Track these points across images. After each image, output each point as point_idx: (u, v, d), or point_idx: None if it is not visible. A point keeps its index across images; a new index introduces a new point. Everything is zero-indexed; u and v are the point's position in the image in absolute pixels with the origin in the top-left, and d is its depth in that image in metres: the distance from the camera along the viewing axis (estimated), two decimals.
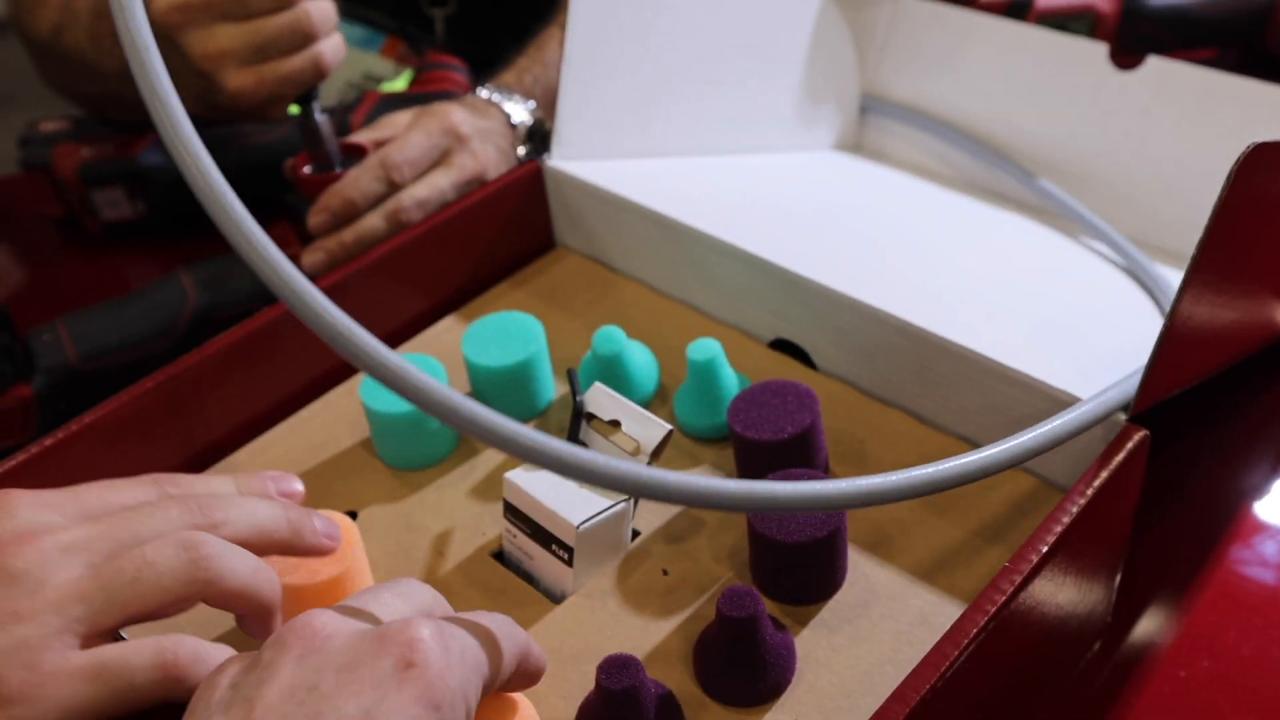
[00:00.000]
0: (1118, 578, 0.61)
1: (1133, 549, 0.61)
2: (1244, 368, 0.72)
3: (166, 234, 0.95)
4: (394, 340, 0.70)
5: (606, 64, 0.75)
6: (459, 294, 0.74)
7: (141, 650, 0.43)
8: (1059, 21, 1.00)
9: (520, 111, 0.90)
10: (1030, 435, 0.51)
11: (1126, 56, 0.83)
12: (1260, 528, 0.67)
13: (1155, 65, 0.80)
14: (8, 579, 0.42)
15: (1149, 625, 0.62)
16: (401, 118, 0.87)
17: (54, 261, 0.96)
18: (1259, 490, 0.70)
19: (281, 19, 0.77)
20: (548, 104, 0.93)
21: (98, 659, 0.43)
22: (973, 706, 0.50)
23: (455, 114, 0.85)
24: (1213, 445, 0.72)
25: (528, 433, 0.42)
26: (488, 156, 0.85)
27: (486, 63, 0.99)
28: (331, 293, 0.64)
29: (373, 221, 0.80)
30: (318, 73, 0.79)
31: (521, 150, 0.89)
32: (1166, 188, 0.79)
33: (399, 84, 1.03)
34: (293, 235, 0.86)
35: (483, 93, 0.91)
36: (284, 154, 0.89)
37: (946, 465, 0.48)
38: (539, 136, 0.90)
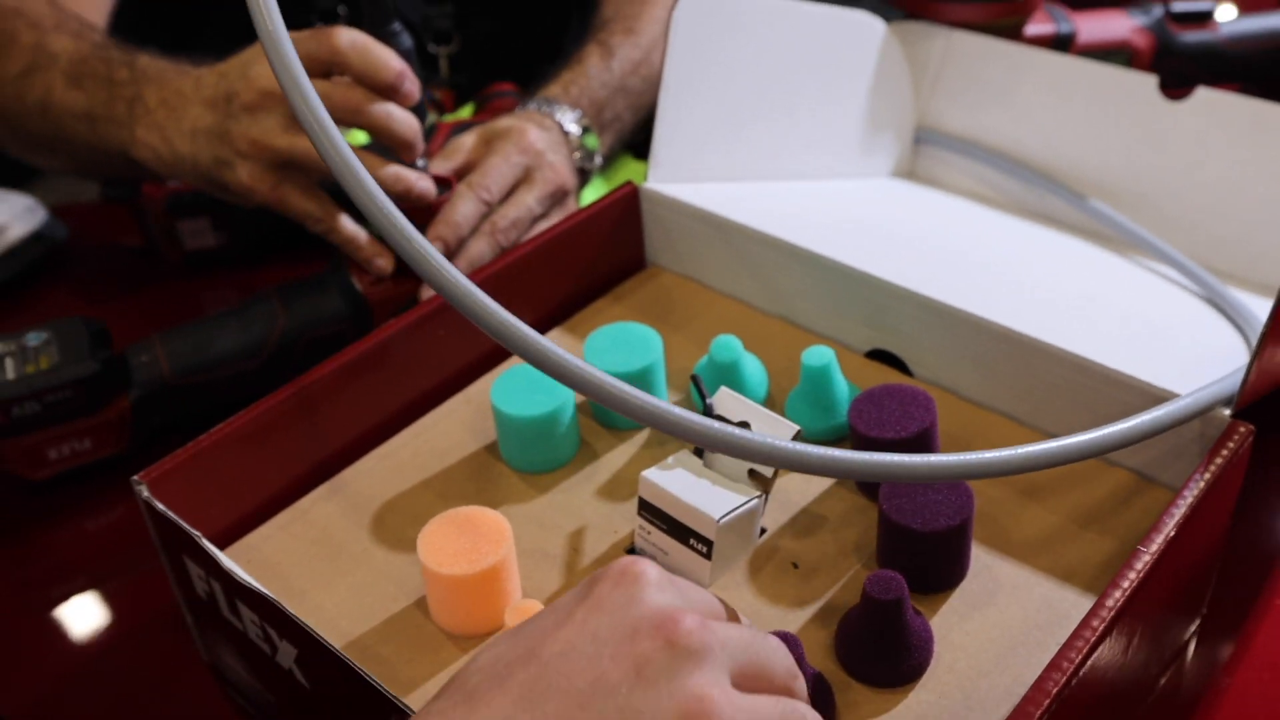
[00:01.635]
0: (1216, 570, 0.64)
1: (1231, 542, 0.64)
2: None
3: (243, 262, 0.98)
4: (504, 352, 0.73)
5: (699, 95, 0.78)
6: (560, 310, 0.77)
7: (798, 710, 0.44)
8: (1100, 56, 1.04)
9: (570, 121, 0.94)
10: (1140, 420, 0.55)
11: (1170, 86, 0.87)
12: None
13: (1204, 95, 0.84)
14: (688, 653, 0.41)
15: (1239, 618, 0.65)
16: (467, 140, 0.91)
17: (138, 286, 0.98)
18: None
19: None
20: (592, 114, 0.97)
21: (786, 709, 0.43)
22: (1104, 682, 0.53)
23: (530, 133, 0.89)
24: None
25: (696, 418, 0.46)
26: (563, 167, 0.89)
27: (479, 57, 1.02)
28: (429, 318, 0.68)
29: (478, 246, 0.83)
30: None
31: (577, 155, 0.93)
32: (1217, 211, 0.83)
33: (463, 113, 1.07)
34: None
35: (532, 106, 0.95)
36: None
37: (1065, 442, 0.52)
38: (587, 141, 0.95)
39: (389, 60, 0.80)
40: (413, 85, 0.82)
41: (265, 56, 0.73)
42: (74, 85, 0.92)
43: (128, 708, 0.66)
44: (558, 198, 0.88)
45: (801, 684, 0.46)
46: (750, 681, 0.43)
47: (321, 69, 0.80)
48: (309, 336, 0.83)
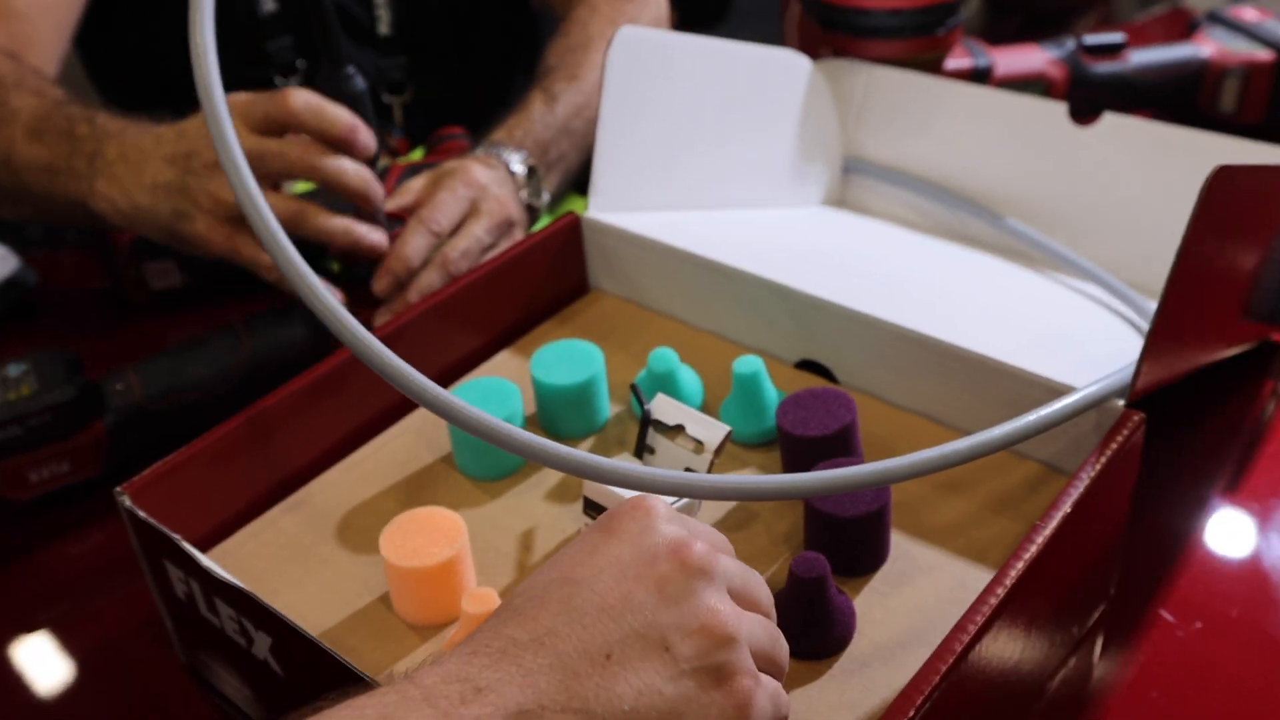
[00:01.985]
0: (1118, 553, 0.69)
1: (1131, 525, 0.69)
2: (1224, 368, 0.81)
3: (208, 300, 1.02)
4: (456, 371, 0.78)
5: (634, 131, 0.84)
6: (508, 333, 0.82)
7: (784, 696, 0.49)
8: (1017, 88, 1.10)
9: (516, 162, 1.00)
10: (1037, 415, 0.60)
11: (1080, 113, 0.93)
12: (1234, 507, 0.76)
13: (1110, 121, 0.90)
14: (700, 574, 0.47)
15: (1146, 593, 0.71)
16: (416, 183, 0.96)
17: (107, 325, 1.03)
18: (1236, 476, 0.79)
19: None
20: (538, 154, 1.03)
21: (777, 690, 0.49)
22: (1007, 645, 0.58)
23: (473, 169, 0.94)
24: (1198, 435, 0.81)
25: (579, 454, 0.52)
26: (509, 200, 0.95)
27: (428, 107, 1.07)
28: (397, 334, 0.73)
29: (429, 277, 0.88)
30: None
31: (524, 192, 0.99)
32: (1124, 225, 0.89)
33: (415, 155, 1.12)
34: (343, 298, 0.94)
35: (480, 150, 1.00)
36: None
37: (975, 439, 0.57)
38: (534, 180, 1.00)
39: (340, 117, 0.86)
40: (367, 138, 0.87)
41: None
42: (35, 140, 0.97)
43: (111, 711, 0.70)
44: (504, 228, 0.94)
45: (774, 613, 0.52)
46: (743, 603, 0.49)
47: (278, 128, 0.86)
48: (274, 361, 0.88)
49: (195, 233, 0.88)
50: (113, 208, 0.92)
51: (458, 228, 0.92)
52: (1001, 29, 3.19)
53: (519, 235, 0.96)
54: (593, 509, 0.64)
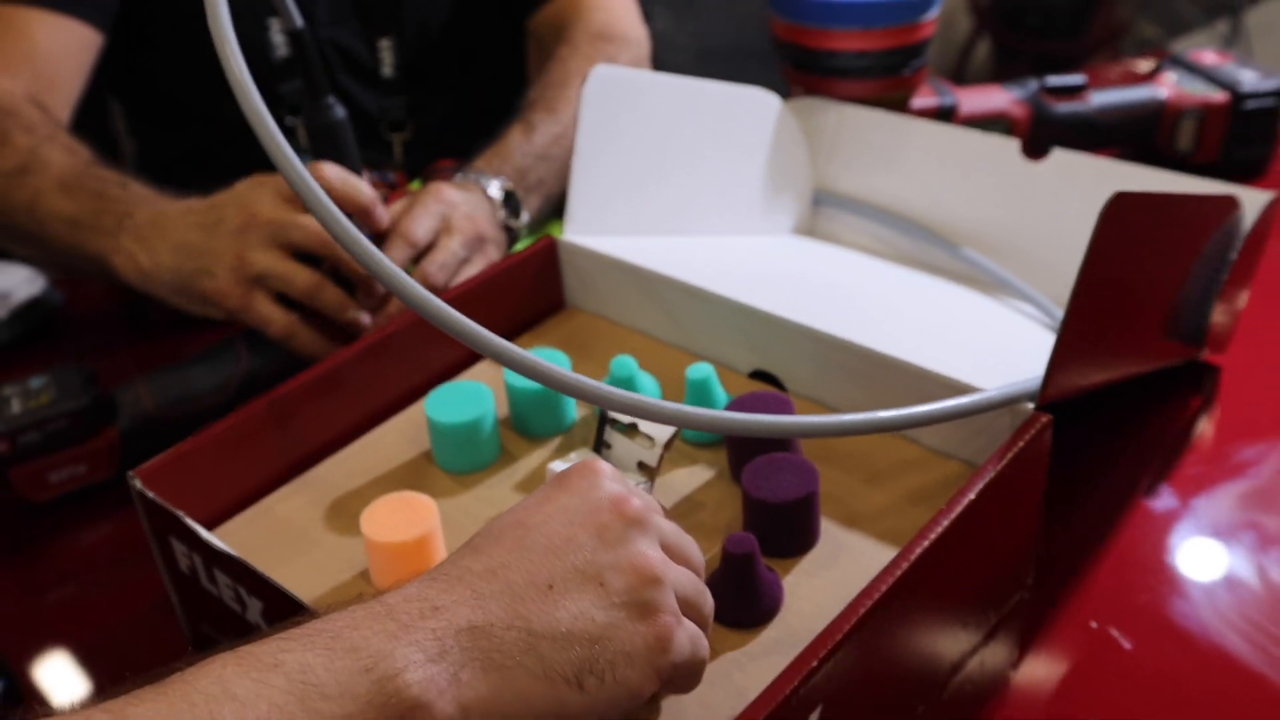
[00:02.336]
0: (1034, 547, 0.76)
1: (1049, 521, 0.76)
2: (1156, 382, 0.89)
3: (221, 319, 1.10)
4: (439, 378, 0.85)
5: (608, 161, 0.91)
6: None
7: (704, 642, 0.57)
8: (981, 127, 1.17)
9: (493, 186, 1.08)
10: (945, 404, 0.68)
11: (1032, 149, 1.00)
12: (1152, 512, 0.83)
13: (1059, 156, 0.98)
14: (636, 525, 0.56)
15: (1064, 586, 0.77)
16: (395, 207, 1.03)
17: (127, 343, 1.11)
18: (1157, 481, 0.85)
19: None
20: (515, 179, 1.11)
21: (696, 633, 0.56)
22: (917, 618, 0.64)
23: (445, 189, 1.03)
24: (1117, 448, 0.88)
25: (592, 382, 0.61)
26: (481, 218, 1.03)
27: (426, 141, 1.15)
28: (383, 344, 0.81)
29: (393, 307, 0.97)
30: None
31: (501, 214, 1.07)
32: (1071, 254, 0.95)
33: (413, 186, 1.20)
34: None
35: (458, 177, 1.08)
36: None
37: (889, 413, 0.65)
38: (511, 203, 1.08)
39: (363, 190, 0.94)
40: (381, 213, 0.96)
41: (255, 190, 0.87)
42: (65, 193, 1.05)
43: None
44: (477, 244, 1.01)
45: (702, 572, 0.61)
46: (674, 556, 0.58)
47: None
48: (269, 374, 0.95)
49: (215, 289, 0.94)
50: (133, 265, 0.99)
51: (433, 244, 0.99)
52: (1010, 72, 3.27)
53: (493, 253, 1.03)
54: None
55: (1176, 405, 0.92)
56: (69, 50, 1.20)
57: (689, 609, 0.57)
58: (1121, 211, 0.69)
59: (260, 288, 0.94)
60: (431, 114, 1.37)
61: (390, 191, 1.19)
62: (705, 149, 0.99)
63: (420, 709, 0.47)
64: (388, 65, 1.33)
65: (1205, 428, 0.91)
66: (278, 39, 1.27)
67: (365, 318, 0.96)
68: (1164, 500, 0.84)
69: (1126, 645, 0.73)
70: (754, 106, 1.03)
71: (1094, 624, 0.75)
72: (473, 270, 1.00)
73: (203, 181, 1.02)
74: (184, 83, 1.34)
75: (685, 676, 0.56)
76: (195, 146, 1.33)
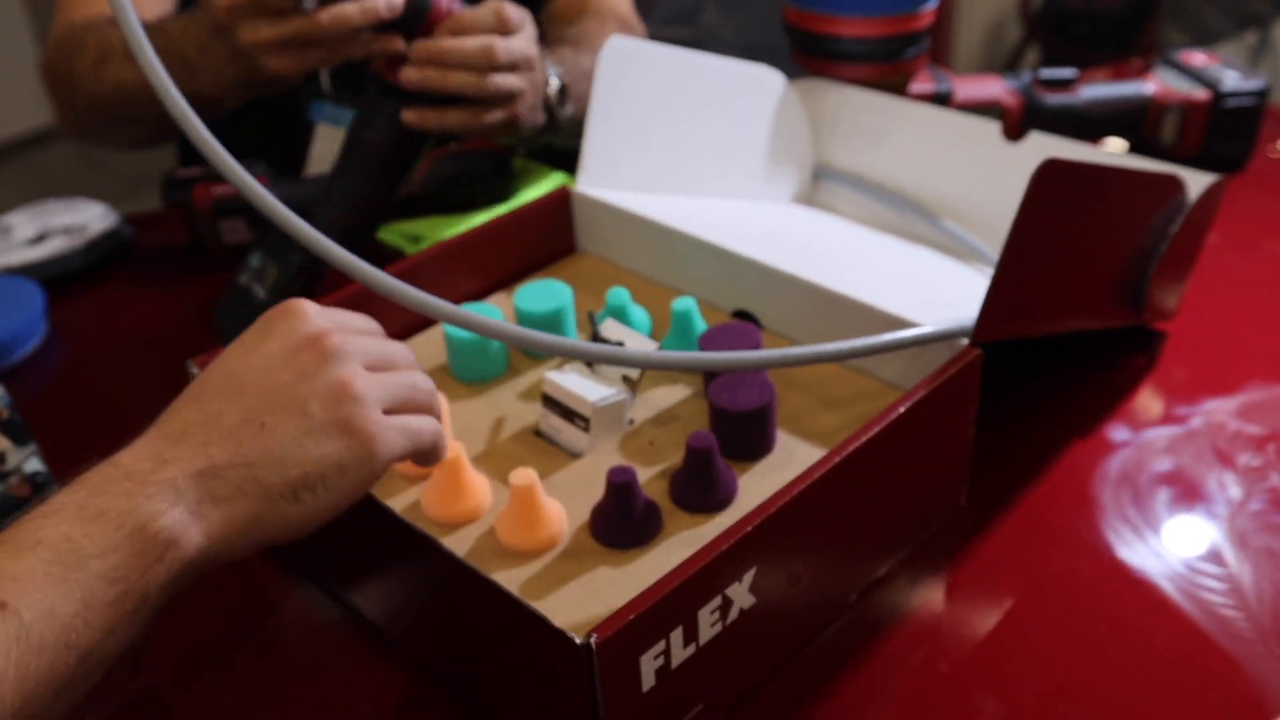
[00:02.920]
0: (967, 468, 0.87)
1: (979, 448, 0.87)
2: (1110, 342, 0.99)
3: None
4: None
5: (622, 121, 1.02)
6: (505, 280, 1.01)
7: (425, 423, 0.67)
8: (975, 112, 1.27)
9: (553, 75, 1.18)
10: (886, 337, 0.78)
11: (1015, 131, 1.10)
12: (1085, 451, 0.93)
13: (1035, 138, 1.08)
14: (332, 356, 0.64)
15: (997, 509, 0.88)
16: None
17: (188, 272, 1.24)
18: (1088, 428, 0.96)
19: (313, 20, 1.04)
20: (568, 77, 1.21)
21: (405, 423, 0.66)
22: (846, 506, 0.75)
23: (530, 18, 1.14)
24: (1064, 396, 0.98)
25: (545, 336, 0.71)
26: (541, 63, 1.14)
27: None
28: (410, 271, 0.92)
29: (476, 42, 1.05)
30: (342, 57, 1.07)
31: (552, 92, 1.18)
32: None
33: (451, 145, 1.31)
34: None
35: None
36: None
37: (836, 344, 0.76)
38: (563, 93, 1.18)
39: None
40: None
41: None
42: (131, 62, 1.18)
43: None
44: (530, 64, 1.11)
45: (414, 368, 0.69)
46: (381, 368, 0.66)
47: None
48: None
49: (267, 75, 1.08)
50: (211, 78, 1.12)
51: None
52: None
53: (529, 91, 1.12)
54: (549, 404, 0.82)
55: (1124, 365, 1.02)
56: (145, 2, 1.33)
57: (404, 406, 0.66)
58: (1051, 175, 0.79)
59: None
60: None
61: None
62: (712, 119, 1.10)
63: (172, 545, 0.57)
64: None
65: (1145, 386, 1.01)
66: None
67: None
68: (1098, 443, 0.94)
69: (1053, 569, 0.83)
70: (761, 84, 1.13)
71: (1020, 539, 0.85)
72: (513, 81, 1.09)
73: None
74: None
75: (421, 455, 0.68)
76: None
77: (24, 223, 1.31)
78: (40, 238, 1.28)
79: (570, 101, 1.21)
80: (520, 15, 1.10)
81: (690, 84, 1.07)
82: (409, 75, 1.05)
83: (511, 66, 1.08)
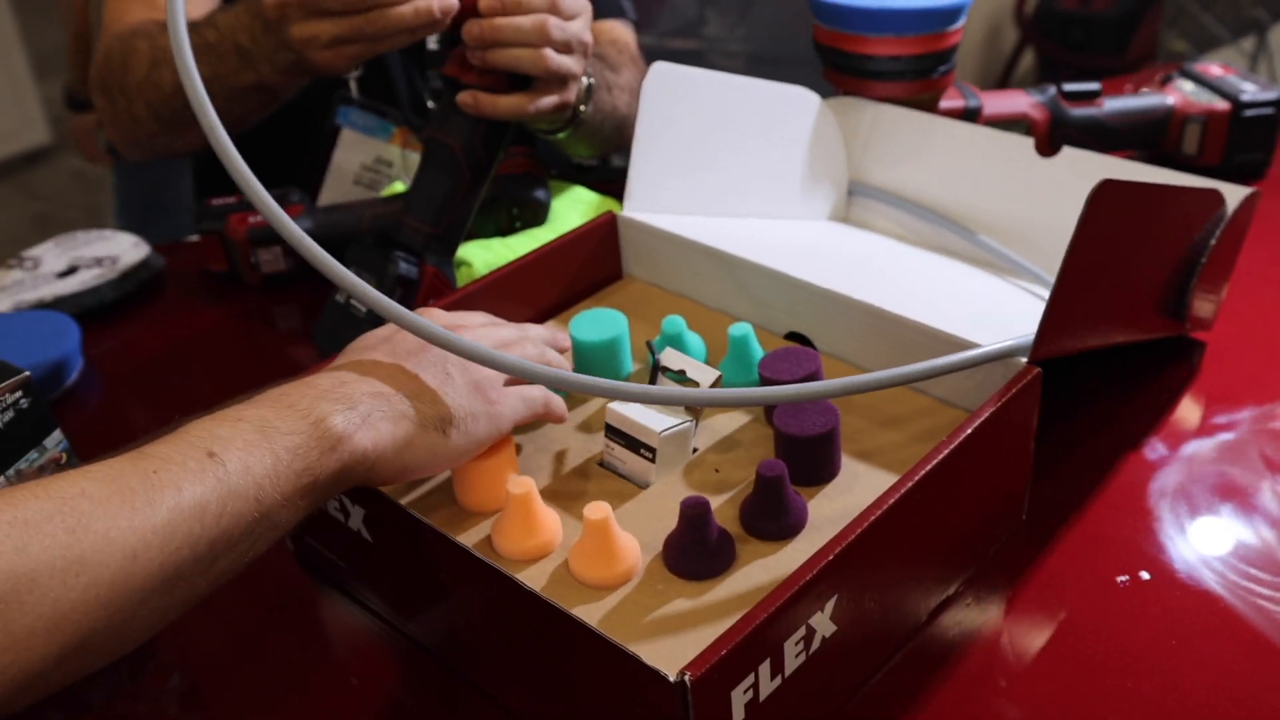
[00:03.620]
0: (1028, 484, 0.87)
1: (1047, 468, 0.87)
2: (1152, 354, 1.00)
3: (308, 282, 1.23)
4: None
5: (665, 145, 1.03)
6: (554, 307, 1.01)
7: (535, 390, 0.80)
8: (1003, 127, 1.28)
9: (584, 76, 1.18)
10: (950, 359, 0.79)
11: (1048, 148, 1.11)
12: (1140, 463, 0.94)
13: (1068, 153, 1.09)
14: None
15: (1059, 524, 0.88)
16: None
17: (223, 301, 1.24)
18: (1141, 440, 0.96)
19: (362, 19, 1.04)
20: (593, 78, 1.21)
21: (520, 391, 0.79)
22: (918, 529, 0.76)
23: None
24: (1112, 408, 0.99)
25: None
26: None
27: None
28: (460, 305, 0.92)
29: (525, 21, 1.04)
30: (384, 49, 1.07)
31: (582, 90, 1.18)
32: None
33: None
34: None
35: None
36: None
37: (905, 369, 0.76)
38: (589, 92, 1.18)
39: None
40: None
41: None
42: (201, 60, 1.16)
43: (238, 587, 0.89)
44: (584, 49, 1.11)
45: (531, 346, 0.82)
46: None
47: None
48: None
49: (315, 67, 1.09)
50: (271, 66, 1.12)
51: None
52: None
53: (582, 70, 1.12)
54: (613, 434, 0.82)
55: (1167, 375, 1.03)
56: (190, 5, 1.32)
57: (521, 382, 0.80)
58: (1107, 196, 0.80)
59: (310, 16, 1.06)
60: None
61: None
62: (751, 140, 1.10)
63: (344, 439, 0.68)
64: (432, 39, 1.43)
65: (1190, 395, 1.01)
66: None
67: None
68: (1150, 453, 0.95)
69: (1118, 580, 0.84)
70: (796, 104, 1.14)
71: (1082, 553, 0.86)
72: (569, 63, 1.08)
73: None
74: None
75: (542, 414, 0.82)
76: None
77: (53, 255, 1.31)
78: (70, 270, 1.28)
79: (592, 102, 1.22)
80: (576, 2, 1.09)
81: (730, 106, 1.08)
82: (470, 30, 1.04)
83: (567, 47, 1.08)
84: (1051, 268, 1.05)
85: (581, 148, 1.29)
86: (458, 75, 1.05)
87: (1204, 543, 0.86)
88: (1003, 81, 3.52)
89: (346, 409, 0.69)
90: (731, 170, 1.09)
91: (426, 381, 0.74)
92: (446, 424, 0.74)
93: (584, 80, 1.17)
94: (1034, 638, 0.80)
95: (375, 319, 1.03)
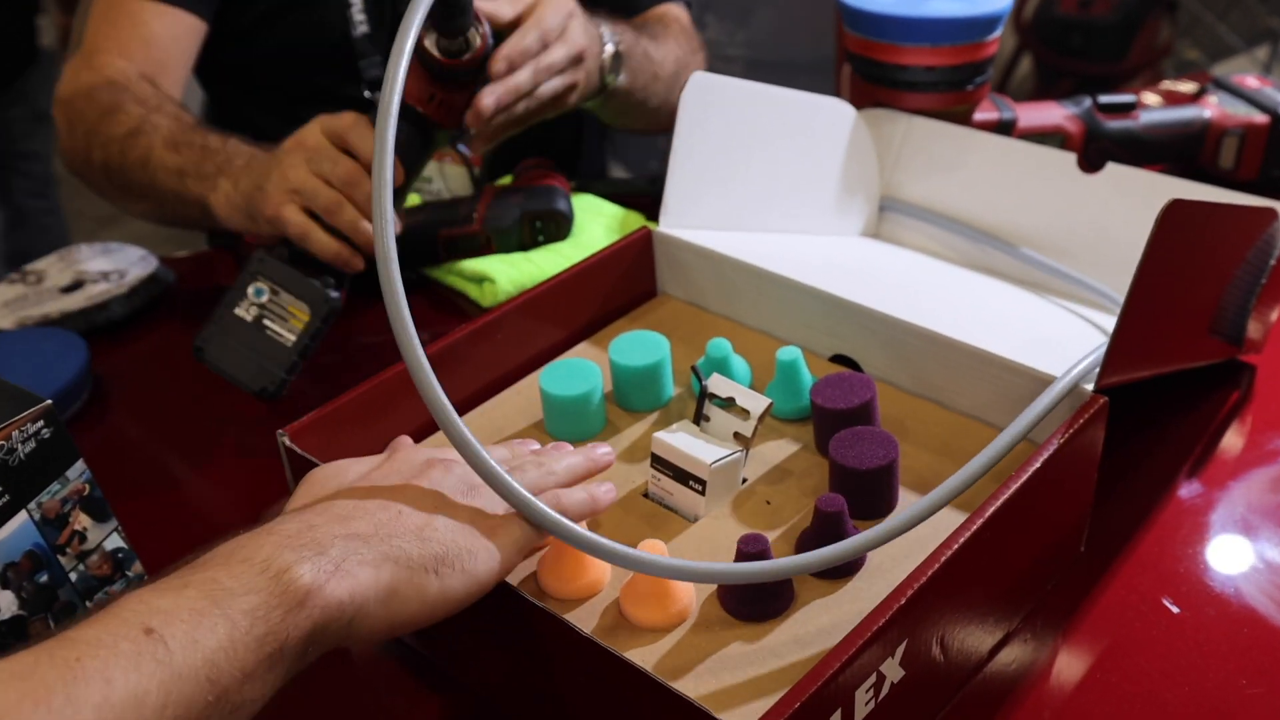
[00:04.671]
0: (1089, 515, 0.84)
1: (1102, 496, 0.84)
2: (1200, 378, 0.97)
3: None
4: (544, 357, 0.94)
5: (700, 161, 0.99)
6: (587, 327, 0.98)
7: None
8: (1037, 139, 1.25)
9: (609, 37, 1.20)
10: (1038, 408, 0.75)
11: (1084, 160, 1.08)
12: (1195, 491, 0.90)
13: (1112, 169, 1.05)
14: (457, 466, 0.70)
15: (1115, 555, 0.85)
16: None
17: None
18: (1195, 469, 0.93)
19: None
20: (624, 46, 1.23)
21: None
22: (986, 567, 0.72)
23: (572, 2, 1.14)
24: (1164, 434, 0.96)
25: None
26: (592, 43, 1.16)
27: (511, 143, 1.24)
28: (494, 325, 0.88)
29: (521, 76, 1.07)
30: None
31: (605, 60, 1.19)
32: (1119, 256, 1.03)
33: (505, 180, 1.28)
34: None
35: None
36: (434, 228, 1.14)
37: (1013, 431, 0.72)
38: (616, 61, 1.20)
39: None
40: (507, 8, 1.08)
41: (311, 123, 1.04)
42: (173, 149, 1.17)
43: None
44: (577, 61, 1.13)
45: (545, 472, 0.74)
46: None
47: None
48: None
49: (262, 199, 1.06)
50: (224, 199, 1.11)
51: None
52: (1051, 91, 3.34)
53: (582, 79, 1.15)
54: (660, 464, 0.79)
55: (1217, 399, 1.00)
56: (177, 37, 1.33)
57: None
58: (1176, 217, 0.76)
59: (293, 199, 1.04)
60: None
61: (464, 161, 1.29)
62: (786, 153, 1.07)
63: (314, 592, 0.57)
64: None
65: (1242, 420, 0.98)
66: (359, 17, 1.37)
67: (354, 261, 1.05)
68: (1205, 481, 0.91)
69: (1174, 610, 0.81)
70: (831, 115, 1.11)
71: (1140, 586, 0.82)
72: (558, 83, 1.11)
73: None
74: (275, 66, 1.44)
75: (532, 541, 0.69)
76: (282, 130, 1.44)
77: (56, 269, 1.27)
78: (76, 285, 1.24)
79: (625, 72, 1.22)
80: (557, 17, 1.10)
81: (766, 119, 1.04)
82: (486, 124, 1.07)
83: (559, 71, 1.10)
84: (1095, 285, 1.02)
85: (620, 117, 1.33)
86: (430, 114, 1.04)
87: (1265, 571, 0.83)
88: (999, 88, 3.49)
89: (315, 555, 0.59)
90: (766, 184, 1.06)
91: (415, 515, 0.64)
92: (440, 563, 0.63)
93: (609, 48, 1.18)
94: (1092, 673, 0.77)
95: (262, 332, 1.03)
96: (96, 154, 1.25)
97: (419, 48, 0.98)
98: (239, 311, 1.03)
